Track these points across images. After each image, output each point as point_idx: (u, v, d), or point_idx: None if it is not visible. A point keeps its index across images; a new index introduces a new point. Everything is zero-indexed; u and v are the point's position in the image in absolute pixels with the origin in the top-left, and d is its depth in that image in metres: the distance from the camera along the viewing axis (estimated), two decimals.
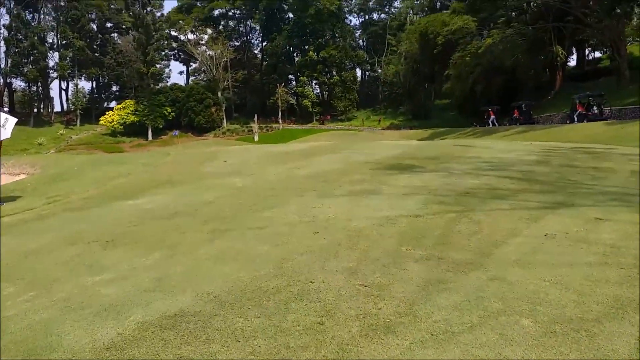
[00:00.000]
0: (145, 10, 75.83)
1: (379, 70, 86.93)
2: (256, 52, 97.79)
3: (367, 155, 13.31)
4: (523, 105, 46.59)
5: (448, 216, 6.17)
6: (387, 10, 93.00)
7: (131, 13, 75.99)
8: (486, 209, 6.48)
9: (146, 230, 6.37)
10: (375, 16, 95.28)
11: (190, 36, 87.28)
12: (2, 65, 74.77)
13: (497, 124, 46.86)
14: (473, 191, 7.74)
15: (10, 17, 72.43)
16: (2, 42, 72.96)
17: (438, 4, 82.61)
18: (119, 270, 4.75)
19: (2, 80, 77.31)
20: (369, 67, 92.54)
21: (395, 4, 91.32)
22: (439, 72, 74.93)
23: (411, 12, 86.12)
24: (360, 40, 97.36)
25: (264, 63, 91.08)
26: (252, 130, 68.51)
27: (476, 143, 17.35)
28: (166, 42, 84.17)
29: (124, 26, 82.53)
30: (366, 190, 8.25)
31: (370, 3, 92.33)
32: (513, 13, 57.52)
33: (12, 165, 17.93)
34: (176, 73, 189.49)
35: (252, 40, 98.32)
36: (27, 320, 3.67)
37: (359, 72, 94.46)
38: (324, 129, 70.93)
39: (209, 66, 79.24)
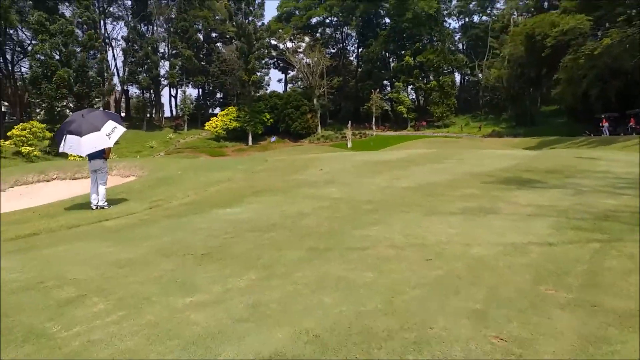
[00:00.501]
0: (247, 20, 78.90)
1: (480, 75, 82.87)
2: (352, 58, 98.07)
3: (474, 166, 12.18)
4: None
5: (590, 246, 5.09)
6: (488, 12, 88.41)
7: (234, 23, 79.49)
8: (637, 238, 5.29)
9: (242, 244, 5.99)
10: (475, 18, 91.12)
11: (289, 44, 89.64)
12: (120, 74, 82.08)
13: (608, 133, 42.35)
14: (614, 214, 6.49)
15: (127, 29, 79.12)
16: (121, 53, 79.90)
17: (545, 3, 76.92)
18: (211, 291, 4.34)
19: (119, 87, 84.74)
20: (468, 72, 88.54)
21: (498, 5, 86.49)
22: (546, 76, 69.85)
23: (515, 13, 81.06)
24: (460, 44, 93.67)
25: (359, 69, 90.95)
26: (345, 137, 68.42)
27: (600, 155, 15.36)
28: (266, 51, 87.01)
29: (227, 36, 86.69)
30: (481, 208, 7.28)
31: (471, 5, 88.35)
32: (634, 11, 51.79)
33: (123, 167, 18.92)
34: (275, 81, 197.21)
35: (348, 47, 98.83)
36: (111, 349, 3.31)
37: (457, 77, 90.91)
38: (419, 136, 68.86)
39: (306, 74, 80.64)
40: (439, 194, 8.74)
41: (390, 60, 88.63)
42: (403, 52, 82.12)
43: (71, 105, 64.82)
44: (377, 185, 10.21)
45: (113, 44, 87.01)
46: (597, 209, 6.93)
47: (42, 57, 59.47)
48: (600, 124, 44.15)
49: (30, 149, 51.27)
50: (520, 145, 51.79)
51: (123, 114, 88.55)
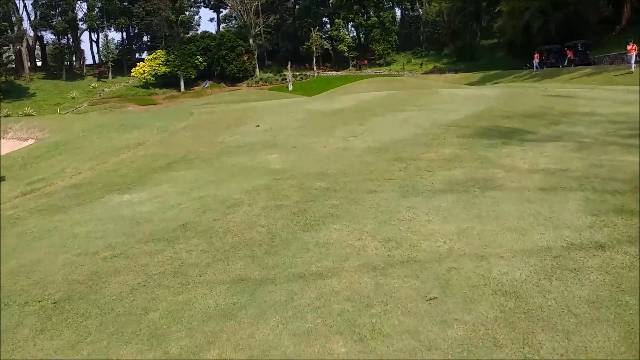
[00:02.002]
0: None
1: (420, 10, 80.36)
2: None
3: (441, 113, 10.24)
4: (579, 45, 41.36)
5: None
6: None
7: None
8: None
9: (124, 275, 3.78)
10: None
11: None
12: (32, 18, 72.95)
13: (537, 68, 41.56)
14: None
15: None
16: None
17: None
18: None
19: (32, 33, 75.75)
20: (409, 6, 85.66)
21: None
22: (486, 9, 68.43)
23: None
24: None
25: (297, 6, 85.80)
26: (285, 79, 64.99)
27: (566, 90, 13.85)
28: None
29: None
30: (474, 181, 5.35)
31: None
32: None
33: (20, 129, 15.68)
34: (207, 21, 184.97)
35: None
36: None
37: (398, 13, 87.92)
38: (362, 75, 66.51)
39: (240, 11, 74.99)
40: (412, 157, 6.71)
41: None
42: None
43: None
44: (331, 146, 8.05)
45: None
46: (622, 171, 5.16)
47: None
48: (534, 59, 43.31)
49: None
50: (462, 80, 50.73)
51: (39, 63, 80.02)
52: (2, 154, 10.79)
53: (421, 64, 69.71)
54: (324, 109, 12.49)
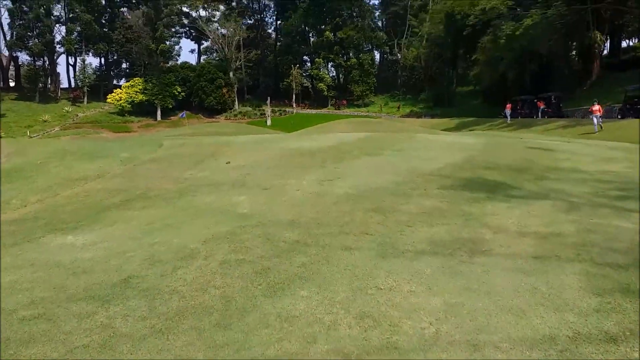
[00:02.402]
0: None
1: (399, 54, 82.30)
2: (270, 31, 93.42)
3: (421, 160, 9.83)
4: (553, 97, 42.41)
5: None
6: None
7: None
8: None
9: (41, 348, 3.13)
10: None
11: (202, 12, 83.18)
12: (8, 38, 71.56)
13: (509, 119, 42.06)
14: None
15: None
16: (6, 13, 69.66)
17: None
18: None
19: (7, 52, 74.25)
20: (388, 50, 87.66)
21: None
22: (463, 57, 70.42)
23: None
24: (380, 22, 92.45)
25: (278, 43, 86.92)
26: (264, 114, 64.89)
27: (548, 144, 13.72)
28: (176, 18, 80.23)
29: (133, 0, 78.64)
30: (460, 242, 4.83)
31: None
32: None
33: None
34: (187, 51, 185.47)
35: (266, 19, 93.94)
36: None
37: (377, 55, 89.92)
38: (340, 115, 66.97)
39: (221, 45, 75.34)
40: (391, 208, 6.18)
41: (310, 35, 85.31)
42: (323, 27, 79.19)
43: None
44: (305, 190, 7.48)
45: None
46: (619, 240, 4.72)
47: None
48: (505, 109, 43.89)
49: None
50: (439, 126, 51.39)
51: (12, 84, 78.17)
52: None
53: (398, 107, 70.84)
54: (300, 147, 11.97)
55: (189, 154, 11.62)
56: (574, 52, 54.70)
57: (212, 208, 6.57)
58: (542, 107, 42.73)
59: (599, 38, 48.22)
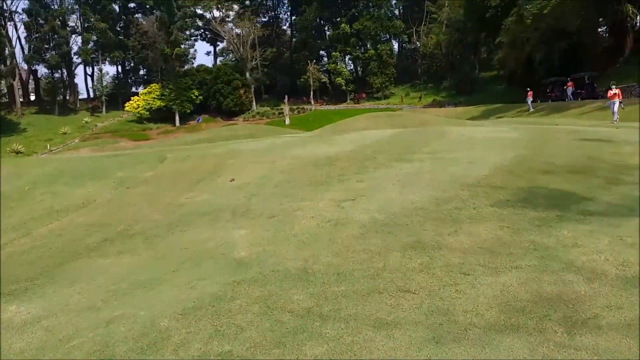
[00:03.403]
0: None
1: (417, 42, 79.78)
2: (285, 27, 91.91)
3: (460, 164, 8.21)
4: (586, 77, 39.57)
5: None
6: None
7: None
8: None
9: None
10: None
11: (216, 13, 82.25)
12: (26, 52, 71.89)
13: (530, 107, 39.11)
14: None
15: (29, 0, 69.26)
16: (23, 27, 70.04)
17: None
18: None
19: (25, 66, 74.77)
20: (406, 39, 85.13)
21: None
22: (485, 41, 67.58)
23: None
24: (396, 10, 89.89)
25: (294, 39, 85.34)
26: (282, 113, 63.59)
27: (601, 133, 11.89)
28: (190, 21, 79.47)
29: (147, 5, 78.19)
30: (548, 304, 3.27)
31: None
32: None
33: None
34: (203, 54, 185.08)
35: (281, 15, 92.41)
36: None
37: (395, 45, 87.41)
38: (360, 109, 65.17)
39: (236, 45, 74.27)
40: (435, 242, 4.64)
41: (326, 28, 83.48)
42: (339, 19, 77.17)
43: None
44: (320, 216, 5.97)
45: (14, 17, 76.08)
46: None
47: None
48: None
49: None
50: (464, 114, 49.08)
51: (32, 97, 78.85)
52: None
53: (420, 97, 68.52)
54: (316, 155, 10.43)
55: (191, 169, 10.25)
56: (604, 28, 51.69)
57: (202, 250, 5.15)
58: (571, 88, 40.05)
59: (630, 11, 45.14)
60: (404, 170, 8.03)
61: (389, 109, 62.61)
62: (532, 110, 37.87)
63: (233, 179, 8.38)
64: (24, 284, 4.78)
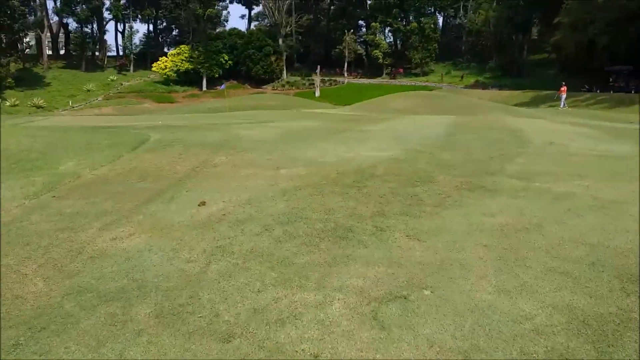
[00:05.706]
0: None
1: (464, 18, 74.21)
2: None
3: (585, 216, 4.94)
4: None
5: None
6: None
7: None
8: None
9: None
10: None
11: None
12: (57, 4, 69.81)
13: (562, 103, 34.01)
14: None
15: None
16: None
17: None
18: None
19: (56, 18, 72.85)
20: (452, 13, 79.49)
21: None
22: (539, 21, 61.89)
23: None
24: None
25: (332, 7, 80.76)
26: (313, 84, 60.09)
27: None
28: None
29: None
30: None
31: None
32: None
33: None
34: (237, 17, 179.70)
35: None
36: None
37: (440, 20, 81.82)
38: (396, 86, 61.07)
39: (271, 9, 70.50)
40: None
41: None
42: None
43: None
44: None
45: None
46: None
47: None
48: (560, 93, 35.98)
49: None
50: (510, 99, 44.69)
51: (62, 52, 77.06)
52: None
53: (462, 77, 63.74)
54: (340, 161, 7.23)
55: (156, 170, 7.21)
56: None
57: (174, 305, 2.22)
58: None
59: None
60: (488, 217, 4.59)
61: (428, 87, 58.33)
62: (562, 106, 33.36)
63: (204, 202, 5.34)
64: None
